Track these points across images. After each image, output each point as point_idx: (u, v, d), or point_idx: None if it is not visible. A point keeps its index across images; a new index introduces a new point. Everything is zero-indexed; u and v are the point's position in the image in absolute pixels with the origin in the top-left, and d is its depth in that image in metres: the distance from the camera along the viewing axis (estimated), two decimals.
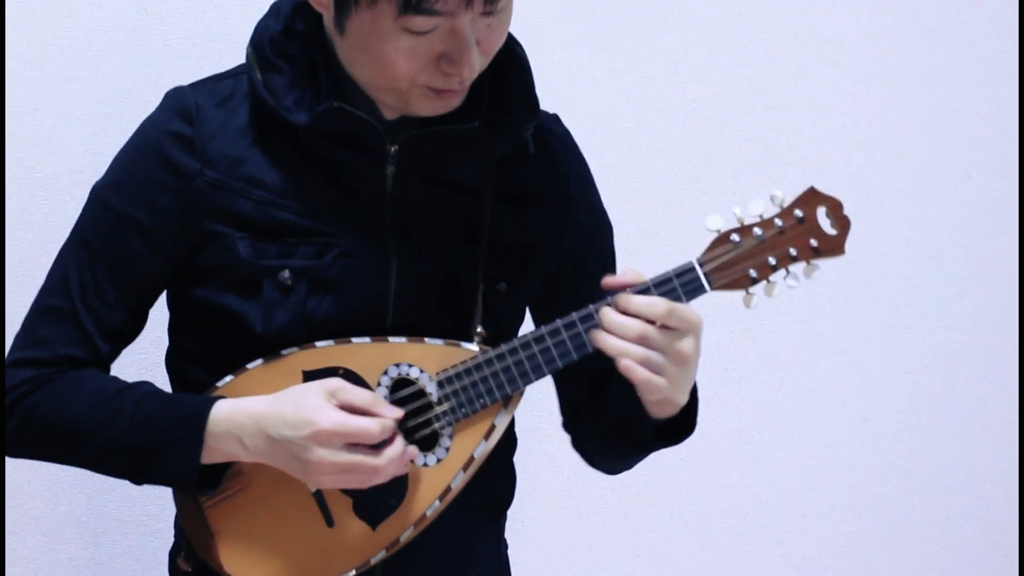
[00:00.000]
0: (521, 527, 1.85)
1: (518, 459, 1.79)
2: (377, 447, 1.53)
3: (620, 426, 1.66)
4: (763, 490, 2.56)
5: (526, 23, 2.35)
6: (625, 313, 1.52)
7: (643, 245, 2.36)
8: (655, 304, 1.52)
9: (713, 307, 2.47)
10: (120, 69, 2.17)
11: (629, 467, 1.75)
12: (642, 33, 2.41)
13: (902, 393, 2.59)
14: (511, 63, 1.62)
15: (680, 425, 1.63)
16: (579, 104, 2.38)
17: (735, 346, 2.51)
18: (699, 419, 2.49)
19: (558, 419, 1.81)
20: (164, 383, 1.69)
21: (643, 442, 1.64)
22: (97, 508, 2.27)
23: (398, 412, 1.55)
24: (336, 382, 1.54)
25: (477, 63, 1.52)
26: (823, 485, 2.58)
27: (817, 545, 2.59)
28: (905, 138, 2.53)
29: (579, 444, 1.79)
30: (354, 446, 1.52)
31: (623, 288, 1.54)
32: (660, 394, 1.54)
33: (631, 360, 1.51)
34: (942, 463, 2.61)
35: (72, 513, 2.27)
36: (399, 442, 1.54)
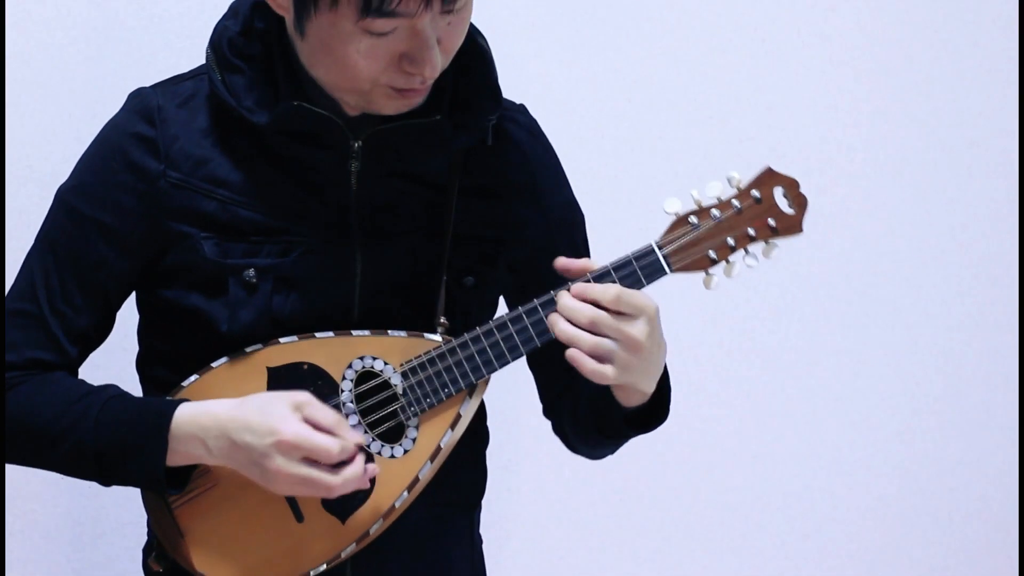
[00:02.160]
0: (497, 522, 1.86)
1: (494, 452, 1.79)
2: (336, 465, 1.53)
3: (593, 413, 1.67)
4: (764, 490, 2.56)
5: (527, 21, 2.35)
6: (581, 299, 1.53)
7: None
8: (606, 290, 1.52)
9: (714, 308, 2.48)
10: (120, 69, 2.18)
11: (608, 454, 1.76)
12: (643, 33, 2.42)
13: (903, 393, 2.58)
14: (473, 55, 1.62)
15: (652, 413, 1.64)
16: (579, 104, 2.39)
17: (736, 347, 2.51)
18: (696, 418, 2.51)
19: (536, 412, 1.82)
20: (135, 385, 1.69)
21: (615, 430, 1.64)
22: (95, 510, 2.28)
23: (360, 438, 1.55)
24: (304, 395, 1.54)
25: (439, 62, 1.52)
26: (824, 486, 2.58)
27: (818, 546, 2.59)
28: (905, 138, 2.53)
29: (559, 430, 1.79)
30: (312, 461, 1.52)
31: (580, 272, 1.55)
32: (610, 381, 1.53)
33: (581, 348, 1.51)
34: (943, 463, 2.61)
35: (71, 515, 2.27)
36: (359, 463, 1.54)
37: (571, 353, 1.52)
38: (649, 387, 1.58)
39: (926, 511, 2.62)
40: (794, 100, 2.48)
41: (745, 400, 2.53)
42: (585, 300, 1.52)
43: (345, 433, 1.54)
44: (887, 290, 2.56)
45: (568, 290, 1.54)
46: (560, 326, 1.53)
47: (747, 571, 2.57)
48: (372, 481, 1.58)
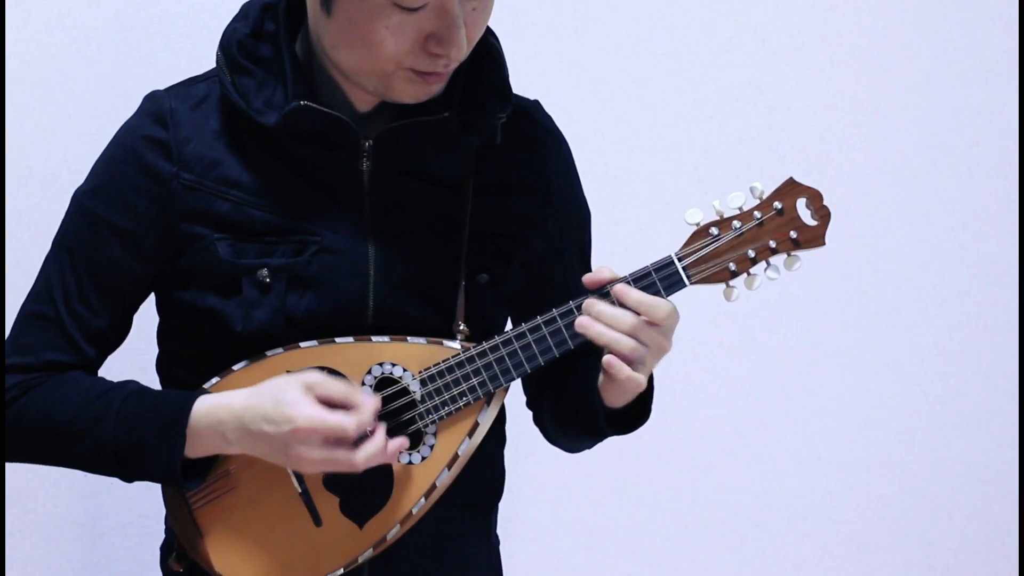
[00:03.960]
0: (514, 523, 1.86)
1: (512, 454, 1.79)
2: (358, 439, 1.53)
3: (576, 410, 1.68)
4: (764, 490, 2.56)
5: (527, 21, 2.35)
6: (622, 305, 1.53)
7: (645, 246, 2.35)
8: (656, 305, 1.54)
9: (714, 307, 2.48)
10: (119, 69, 2.18)
11: (586, 448, 1.77)
12: (643, 33, 2.42)
13: (903, 393, 2.59)
14: (485, 52, 1.62)
15: (633, 413, 1.65)
16: (580, 104, 2.39)
17: (736, 346, 2.51)
18: (697, 419, 2.51)
19: None
20: (152, 385, 1.69)
21: (596, 428, 1.66)
22: (95, 509, 2.27)
23: (375, 400, 1.54)
24: (313, 376, 1.54)
25: (464, 44, 1.52)
26: (824, 486, 2.58)
27: (818, 546, 2.59)
28: (905, 138, 2.53)
29: (539, 421, 1.80)
30: (332, 441, 1.52)
31: (605, 285, 1.55)
32: (640, 388, 1.56)
33: (618, 353, 1.53)
34: (943, 463, 2.61)
35: (71, 515, 2.27)
36: (379, 436, 1.54)
37: (609, 360, 1.53)
38: (642, 387, 1.59)
39: (926, 511, 2.62)
40: (794, 100, 2.48)
41: (745, 400, 2.53)
42: (625, 305, 1.53)
43: (359, 400, 1.53)
44: (887, 290, 2.56)
45: (603, 295, 1.55)
46: (597, 329, 1.53)
47: (747, 571, 2.57)
48: (391, 487, 1.59)
